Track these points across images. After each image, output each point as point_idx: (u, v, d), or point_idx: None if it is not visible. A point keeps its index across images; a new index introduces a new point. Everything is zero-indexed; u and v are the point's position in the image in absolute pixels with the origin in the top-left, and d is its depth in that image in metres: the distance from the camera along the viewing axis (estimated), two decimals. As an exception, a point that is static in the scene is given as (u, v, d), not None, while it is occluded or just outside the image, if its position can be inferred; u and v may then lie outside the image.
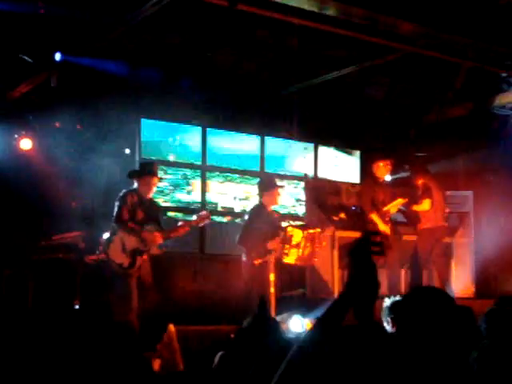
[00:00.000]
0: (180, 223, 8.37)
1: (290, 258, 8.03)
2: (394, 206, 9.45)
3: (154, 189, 8.12)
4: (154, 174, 8.05)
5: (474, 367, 3.18)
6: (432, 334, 2.58)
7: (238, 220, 10.42)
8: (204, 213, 8.41)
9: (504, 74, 11.07)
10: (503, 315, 3.36)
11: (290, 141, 11.50)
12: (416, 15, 7.18)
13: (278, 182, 9.12)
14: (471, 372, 2.80)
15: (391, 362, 2.46)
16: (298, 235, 8.05)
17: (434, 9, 7.32)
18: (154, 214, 8.08)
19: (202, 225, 8.40)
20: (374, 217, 9.19)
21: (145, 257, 7.79)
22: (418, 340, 2.56)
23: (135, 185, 7.98)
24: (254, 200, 9.49)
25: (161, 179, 8.61)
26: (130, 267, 7.70)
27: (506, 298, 6.62)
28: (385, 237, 8.45)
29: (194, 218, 8.30)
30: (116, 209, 7.78)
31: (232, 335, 3.32)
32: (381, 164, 9.51)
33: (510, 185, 12.10)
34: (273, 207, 8.57)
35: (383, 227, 9.11)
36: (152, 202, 8.20)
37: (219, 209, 10.86)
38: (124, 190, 7.92)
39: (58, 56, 8.52)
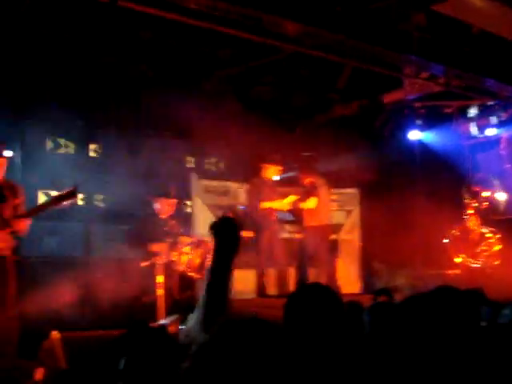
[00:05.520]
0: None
1: (179, 265, 7.98)
2: (286, 204, 9.53)
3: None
4: None
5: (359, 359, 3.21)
6: (319, 329, 2.58)
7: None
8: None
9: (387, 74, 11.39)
10: (383, 308, 3.44)
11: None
12: (301, 15, 7.24)
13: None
14: (356, 363, 2.82)
15: (279, 357, 2.45)
16: (186, 241, 8.06)
17: (318, 9, 7.42)
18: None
19: (66, 203, 6.54)
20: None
21: None
22: (306, 336, 2.56)
23: None
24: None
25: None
26: None
27: (380, 291, 6.81)
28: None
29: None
30: None
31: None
32: (269, 164, 9.57)
33: (394, 182, 12.48)
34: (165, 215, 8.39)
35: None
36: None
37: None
38: None
39: None
